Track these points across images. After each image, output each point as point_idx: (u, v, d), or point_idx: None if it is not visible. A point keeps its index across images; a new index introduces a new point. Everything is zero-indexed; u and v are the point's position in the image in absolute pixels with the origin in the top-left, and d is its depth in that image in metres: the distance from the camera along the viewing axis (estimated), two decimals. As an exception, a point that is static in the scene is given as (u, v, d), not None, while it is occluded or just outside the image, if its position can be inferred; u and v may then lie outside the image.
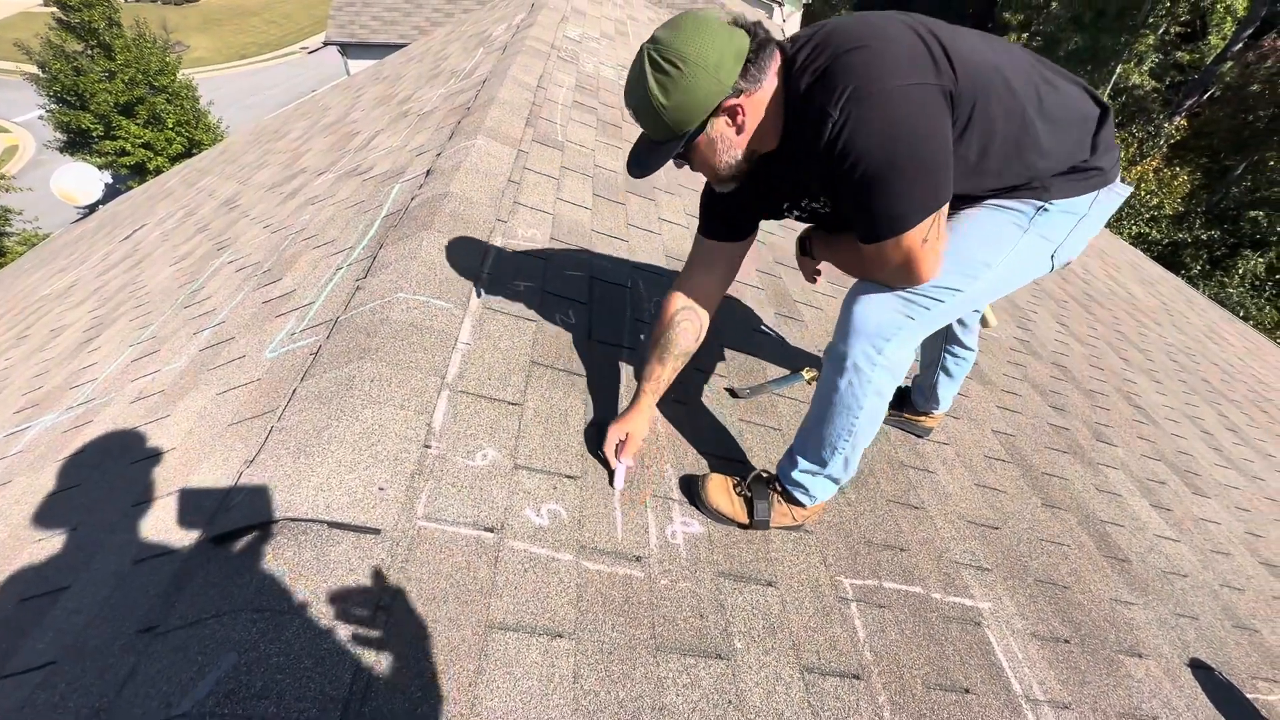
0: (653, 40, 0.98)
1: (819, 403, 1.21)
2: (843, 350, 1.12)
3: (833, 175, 0.97)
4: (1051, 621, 1.43)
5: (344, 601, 0.84)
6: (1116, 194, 1.16)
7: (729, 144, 1.05)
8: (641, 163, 1.09)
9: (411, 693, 0.79)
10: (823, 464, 1.24)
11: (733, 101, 0.99)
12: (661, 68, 0.96)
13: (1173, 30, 20.08)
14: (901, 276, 1.05)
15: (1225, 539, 2.16)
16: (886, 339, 1.10)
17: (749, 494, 1.28)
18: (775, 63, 1.01)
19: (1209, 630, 1.66)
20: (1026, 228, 1.11)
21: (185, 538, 1.00)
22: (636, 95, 1.00)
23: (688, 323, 1.28)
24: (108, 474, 1.34)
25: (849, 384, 1.13)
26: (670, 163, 1.10)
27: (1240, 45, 17.26)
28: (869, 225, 1.00)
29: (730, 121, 1.03)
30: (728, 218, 1.28)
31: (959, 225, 1.12)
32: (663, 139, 1.04)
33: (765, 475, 1.32)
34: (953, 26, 1.03)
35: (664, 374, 1.30)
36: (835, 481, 1.28)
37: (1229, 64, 17.26)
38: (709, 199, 1.28)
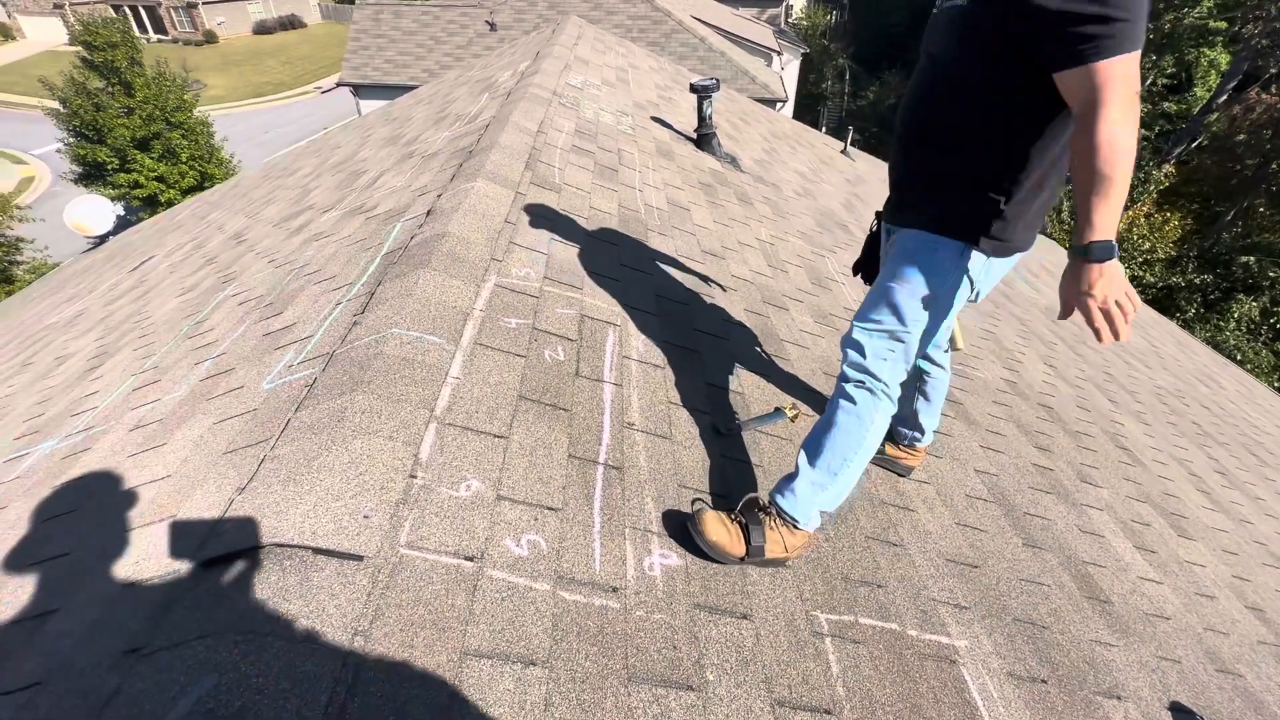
0: None
1: (831, 416, 1.39)
2: (856, 376, 1.39)
3: None
4: (1029, 661, 1.44)
5: (324, 625, 0.87)
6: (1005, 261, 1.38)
7: None
8: None
9: (385, 717, 0.82)
10: (832, 474, 1.36)
11: None
12: None
13: (1159, 82, 20.77)
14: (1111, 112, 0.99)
15: (1211, 582, 2.17)
16: (879, 368, 1.37)
17: (743, 520, 1.32)
18: None
19: (1191, 674, 1.66)
20: (959, 263, 1.33)
21: (175, 562, 1.03)
22: None
23: None
24: (102, 500, 1.37)
25: (864, 397, 1.37)
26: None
27: (1225, 97, 17.82)
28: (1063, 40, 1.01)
29: None
30: None
31: (905, 266, 1.35)
32: None
33: (757, 500, 1.37)
34: None
35: None
36: (830, 504, 1.38)
37: (1215, 115, 17.79)
38: None
